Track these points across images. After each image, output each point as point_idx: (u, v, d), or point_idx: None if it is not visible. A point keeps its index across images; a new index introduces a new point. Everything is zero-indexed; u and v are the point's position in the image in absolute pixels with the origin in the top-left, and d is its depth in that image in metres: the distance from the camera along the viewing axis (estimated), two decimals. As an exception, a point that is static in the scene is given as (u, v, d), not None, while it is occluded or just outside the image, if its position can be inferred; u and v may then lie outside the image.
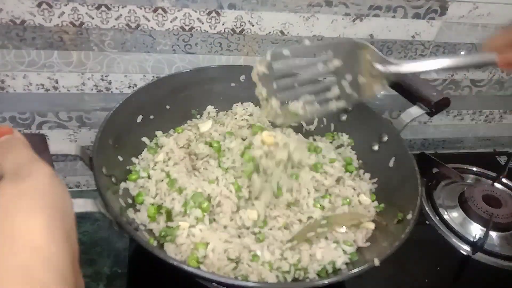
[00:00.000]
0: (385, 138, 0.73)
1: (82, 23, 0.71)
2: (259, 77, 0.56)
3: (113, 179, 0.61)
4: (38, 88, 0.77)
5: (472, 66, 0.54)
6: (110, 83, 0.79)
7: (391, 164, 0.70)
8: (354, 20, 0.82)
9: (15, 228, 0.28)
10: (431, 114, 0.71)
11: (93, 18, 0.71)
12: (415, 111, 0.71)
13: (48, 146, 0.41)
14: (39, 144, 0.37)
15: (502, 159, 1.04)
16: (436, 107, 0.70)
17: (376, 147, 0.74)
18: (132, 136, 0.69)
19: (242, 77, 0.80)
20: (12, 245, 0.27)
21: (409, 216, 0.58)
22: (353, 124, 0.78)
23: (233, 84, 0.80)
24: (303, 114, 0.58)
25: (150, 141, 0.72)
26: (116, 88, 0.80)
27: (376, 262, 0.51)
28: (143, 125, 0.71)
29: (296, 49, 0.57)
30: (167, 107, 0.75)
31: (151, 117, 0.73)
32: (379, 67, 0.55)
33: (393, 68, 0.55)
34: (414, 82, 0.74)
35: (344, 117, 0.79)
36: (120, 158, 0.65)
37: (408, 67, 0.55)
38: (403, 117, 0.72)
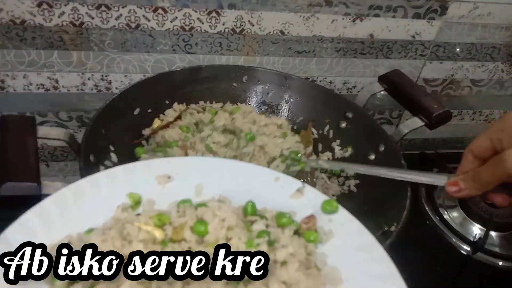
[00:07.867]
0: (382, 148, 0.71)
1: (82, 23, 0.71)
2: None
3: (101, 168, 0.62)
4: (38, 88, 0.77)
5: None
6: (110, 83, 0.79)
7: None
8: (354, 20, 0.82)
9: None
10: (430, 127, 0.70)
11: (93, 18, 0.71)
12: (415, 123, 0.71)
13: (35, 129, 0.41)
14: (26, 126, 0.36)
15: (502, 159, 1.04)
16: (436, 119, 0.69)
17: (372, 157, 0.73)
18: (124, 127, 0.69)
19: (245, 78, 0.79)
20: None
21: (393, 228, 0.57)
22: (352, 132, 0.76)
23: (234, 84, 0.79)
24: None
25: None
26: (116, 88, 0.80)
27: None
28: (140, 117, 0.71)
29: None
30: (166, 102, 0.75)
31: (149, 110, 0.73)
32: None
33: None
34: (416, 93, 0.72)
35: (343, 124, 0.77)
36: (112, 148, 0.65)
37: None
38: (401, 128, 0.71)
